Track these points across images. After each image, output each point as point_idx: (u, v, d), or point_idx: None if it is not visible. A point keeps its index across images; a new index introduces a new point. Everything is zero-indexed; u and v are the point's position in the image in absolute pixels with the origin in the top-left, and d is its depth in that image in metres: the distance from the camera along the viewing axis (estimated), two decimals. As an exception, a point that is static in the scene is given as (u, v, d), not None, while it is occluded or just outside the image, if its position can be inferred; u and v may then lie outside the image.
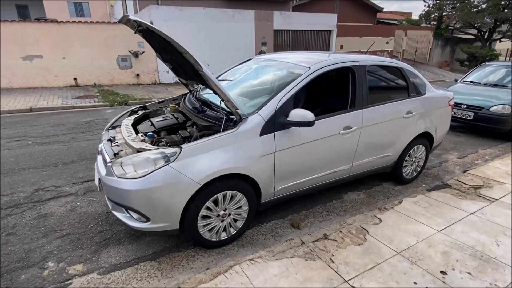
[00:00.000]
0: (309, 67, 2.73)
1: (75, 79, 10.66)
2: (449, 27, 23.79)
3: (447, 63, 23.09)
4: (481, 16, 20.90)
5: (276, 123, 2.46)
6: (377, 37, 19.12)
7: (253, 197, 2.53)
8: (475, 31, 23.08)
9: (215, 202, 2.36)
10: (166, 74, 12.42)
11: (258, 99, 2.76)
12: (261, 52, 13.41)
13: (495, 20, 21.30)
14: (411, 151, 3.60)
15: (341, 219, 2.95)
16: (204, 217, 2.35)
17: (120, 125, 2.98)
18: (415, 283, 2.10)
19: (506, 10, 20.78)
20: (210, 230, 2.42)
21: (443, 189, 3.58)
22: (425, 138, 3.69)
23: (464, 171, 4.18)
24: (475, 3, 21.38)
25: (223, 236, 2.52)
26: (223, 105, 2.46)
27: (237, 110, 2.34)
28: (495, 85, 6.26)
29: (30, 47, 9.79)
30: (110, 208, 2.43)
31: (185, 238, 2.60)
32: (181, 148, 2.15)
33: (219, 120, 2.49)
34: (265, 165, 2.47)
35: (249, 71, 3.39)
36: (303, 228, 2.84)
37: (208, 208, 2.33)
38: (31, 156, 4.38)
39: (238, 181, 2.39)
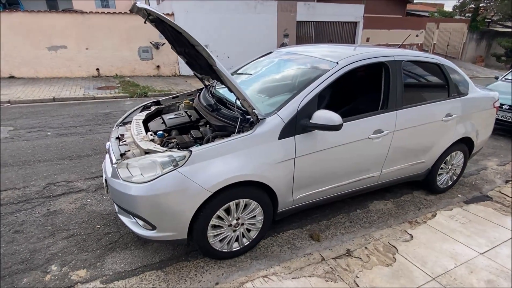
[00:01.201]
0: (337, 62, 2.43)
1: (97, 69, 10.76)
2: (486, 20, 22.20)
3: (482, 58, 21.60)
4: (524, 7, 19.30)
5: (297, 126, 2.19)
6: (407, 29, 18.10)
7: (269, 206, 2.30)
8: (515, 24, 21.39)
9: (227, 211, 2.15)
10: (186, 66, 12.28)
11: (279, 97, 2.51)
12: (283, 45, 13.01)
13: (539, 12, 19.62)
14: (447, 158, 3.23)
15: (367, 233, 2.66)
16: (215, 226, 2.15)
17: (131, 121, 2.81)
18: (455, 318, 1.81)
19: (552, 1, 19.07)
20: (221, 241, 2.21)
21: (483, 201, 3.19)
22: (464, 144, 3.29)
23: (507, 181, 3.75)
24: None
25: (235, 246, 2.31)
26: (238, 103, 2.22)
27: (253, 110, 2.09)
28: (543, 84, 5.63)
29: (55, 37, 9.94)
30: (116, 211, 2.28)
31: (194, 246, 2.42)
32: (191, 151, 1.94)
33: (234, 120, 2.26)
34: (283, 172, 2.22)
35: (270, 65, 3.12)
36: (323, 240, 2.58)
37: (219, 217, 2.13)
38: (48, 148, 4.35)
39: (253, 189, 2.16)
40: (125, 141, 2.40)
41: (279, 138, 2.15)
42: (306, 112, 2.20)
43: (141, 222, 2.07)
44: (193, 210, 1.98)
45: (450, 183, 3.47)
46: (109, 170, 2.26)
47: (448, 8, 29.21)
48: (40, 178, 3.47)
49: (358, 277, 2.10)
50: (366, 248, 2.42)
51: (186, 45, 2.20)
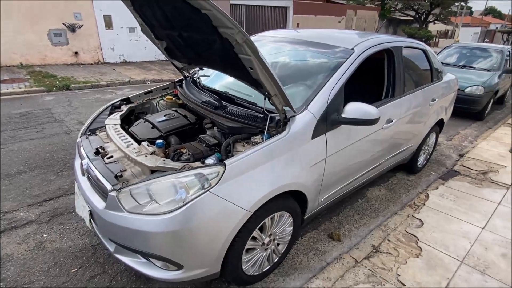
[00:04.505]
0: (353, 49, 2.23)
1: (-7, 58, 8.56)
2: (391, 8, 25.10)
3: (390, 43, 24.43)
4: (420, -2, 22.37)
5: (328, 121, 1.95)
6: (331, 16, 19.21)
7: (299, 215, 2.03)
8: (413, 13, 24.72)
9: (261, 229, 1.81)
10: (111, 52, 10.78)
11: (290, 90, 2.20)
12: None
13: (431, 3, 23.01)
14: (427, 139, 3.42)
15: (379, 223, 2.63)
16: (248, 250, 1.79)
17: (103, 127, 2.17)
18: (500, 300, 1.87)
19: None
20: (253, 264, 1.87)
21: (455, 176, 3.50)
22: (437, 125, 3.53)
23: (460, 155, 4.20)
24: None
25: (266, 266, 2.00)
26: (259, 98, 1.84)
27: (284, 107, 1.76)
28: (464, 67, 6.51)
29: None
30: (112, 251, 1.71)
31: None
32: (225, 165, 1.53)
33: (252, 119, 1.89)
34: (315, 175, 1.97)
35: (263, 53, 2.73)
36: (344, 239, 2.45)
37: (254, 238, 1.78)
38: (-47, 167, 3.19)
39: (286, 199, 1.86)
40: (112, 156, 1.80)
41: (312, 138, 1.88)
42: (335, 105, 1.97)
43: (159, 263, 1.59)
44: (230, 238, 1.59)
45: (424, 162, 3.72)
46: (95, 199, 1.68)
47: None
48: (-44, 213, 2.50)
49: (399, 275, 2.03)
50: (388, 240, 2.37)
51: (191, 26, 1.71)
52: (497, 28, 42.13)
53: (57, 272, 2.00)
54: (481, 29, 37.62)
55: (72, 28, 9.63)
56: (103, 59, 10.70)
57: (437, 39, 28.15)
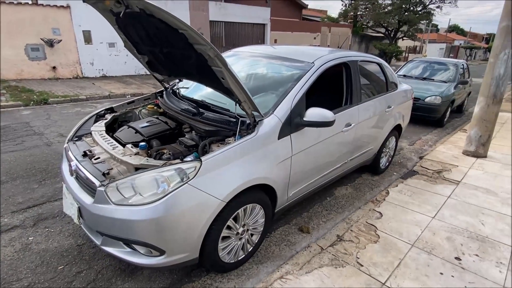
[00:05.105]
0: (313, 62, 2.57)
1: (-34, 73, 8.42)
2: (363, 26, 26.63)
3: (363, 58, 25.75)
4: (389, 16, 23.93)
5: (292, 124, 2.24)
6: (306, 32, 20.15)
7: (269, 208, 2.28)
8: (383, 30, 26.30)
9: (235, 219, 2.04)
10: (91, 67, 10.84)
11: (261, 98, 2.50)
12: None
13: (399, 21, 24.64)
14: (386, 143, 3.80)
15: (344, 217, 2.92)
16: (224, 238, 2.01)
17: (89, 133, 2.36)
18: (441, 273, 2.18)
19: (407, 13, 24.21)
20: (229, 252, 2.09)
21: (414, 176, 3.88)
22: (395, 129, 3.93)
23: (420, 157, 4.63)
24: (383, 5, 24.38)
25: (241, 254, 2.22)
26: (232, 106, 2.12)
27: (253, 112, 2.04)
28: (424, 79, 7.14)
29: None
30: (99, 244, 1.88)
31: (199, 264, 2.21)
32: (201, 161, 1.77)
33: (226, 123, 2.15)
34: (283, 171, 2.24)
35: (237, 66, 3.03)
36: (313, 231, 2.72)
37: (229, 227, 2.01)
38: None
39: (257, 192, 2.11)
40: (98, 157, 2.00)
41: (278, 138, 2.16)
42: (297, 110, 2.27)
43: (143, 250, 1.78)
44: (207, 225, 1.81)
45: (387, 164, 4.10)
46: (84, 196, 1.86)
47: (330, 14, 33.74)
48: None
49: (358, 258, 2.30)
50: (351, 231, 2.66)
51: (170, 44, 1.97)
52: (460, 44, 45.41)
53: (44, 269, 2.12)
54: (446, 45, 40.49)
55: (51, 43, 9.67)
56: (82, 73, 10.73)
57: (407, 54, 30.03)
